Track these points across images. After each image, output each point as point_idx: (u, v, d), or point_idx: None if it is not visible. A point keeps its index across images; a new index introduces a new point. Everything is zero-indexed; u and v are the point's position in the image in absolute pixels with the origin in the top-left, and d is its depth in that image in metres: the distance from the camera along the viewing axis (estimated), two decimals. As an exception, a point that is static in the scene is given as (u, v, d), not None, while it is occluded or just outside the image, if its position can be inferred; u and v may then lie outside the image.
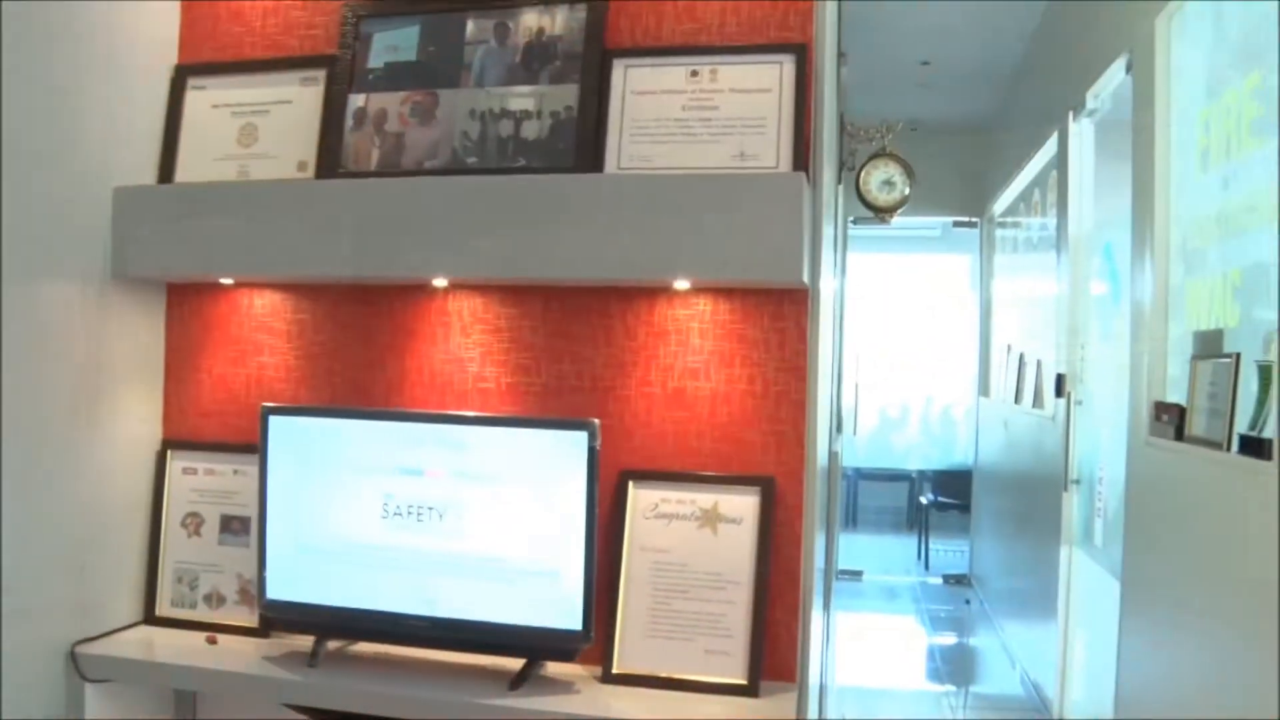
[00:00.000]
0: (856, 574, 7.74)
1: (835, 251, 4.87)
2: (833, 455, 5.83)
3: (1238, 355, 2.55)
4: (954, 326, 9.19)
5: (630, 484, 1.81)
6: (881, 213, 4.62)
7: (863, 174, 4.64)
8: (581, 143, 1.80)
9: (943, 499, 8.77)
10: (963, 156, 7.62)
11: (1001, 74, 6.50)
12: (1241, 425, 2.52)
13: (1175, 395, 3.02)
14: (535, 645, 1.76)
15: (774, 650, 1.77)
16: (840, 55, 5.60)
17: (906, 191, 4.58)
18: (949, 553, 8.43)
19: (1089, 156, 4.51)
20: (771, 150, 1.73)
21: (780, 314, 1.77)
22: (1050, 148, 5.08)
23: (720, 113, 1.76)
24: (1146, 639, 3.17)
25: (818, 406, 1.76)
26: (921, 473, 9.69)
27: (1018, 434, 5.89)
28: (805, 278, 1.64)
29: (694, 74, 1.80)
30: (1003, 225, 6.91)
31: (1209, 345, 2.84)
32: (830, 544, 5.96)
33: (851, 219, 7.67)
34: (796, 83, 1.74)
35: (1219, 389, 2.63)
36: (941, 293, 9.81)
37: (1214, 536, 2.58)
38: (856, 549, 8.78)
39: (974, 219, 7.69)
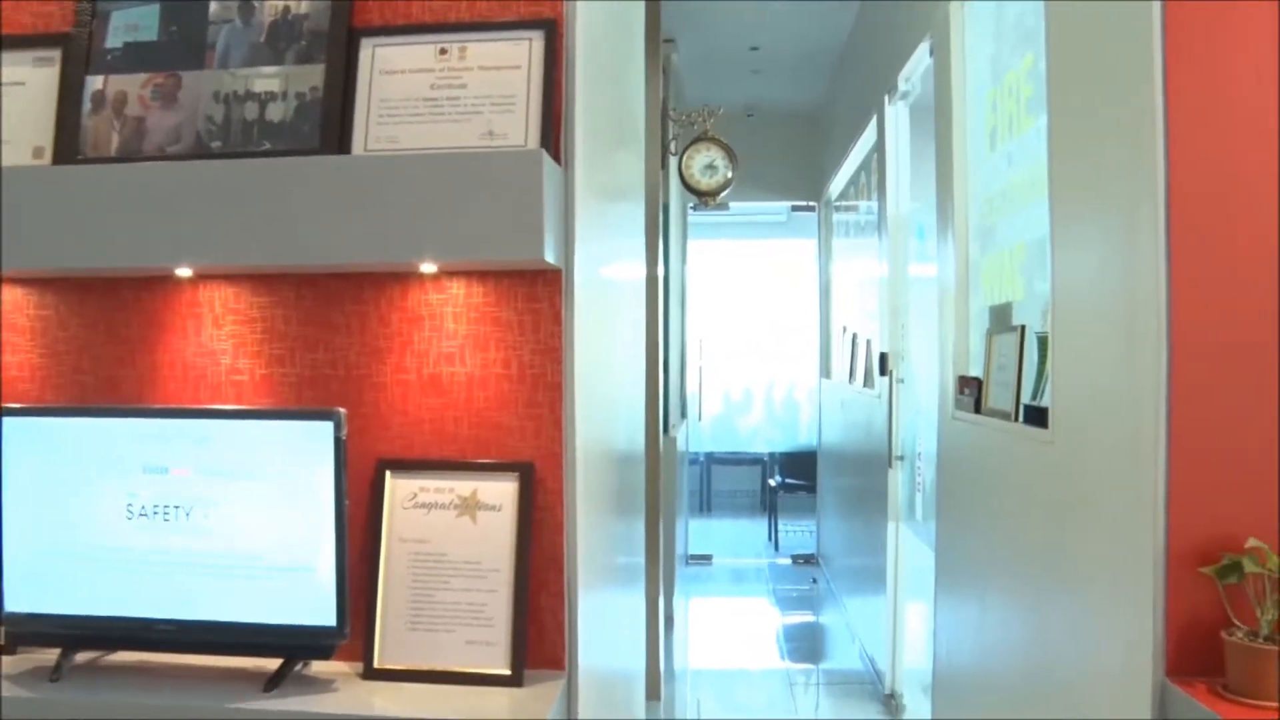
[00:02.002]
0: (706, 558, 7.78)
1: (663, 238, 4.89)
2: (670, 441, 5.85)
3: (1023, 328, 2.61)
4: (798, 310, 9.30)
5: (388, 474, 1.76)
6: (705, 196, 4.63)
7: (685, 158, 4.65)
8: (327, 124, 1.73)
9: (790, 480, 8.89)
10: (799, 142, 7.72)
11: (829, 59, 6.58)
12: (1026, 395, 2.58)
13: (976, 369, 3.08)
14: (290, 644, 1.69)
15: (540, 638, 1.74)
16: (668, 41, 5.61)
17: (729, 175, 4.60)
18: (798, 533, 8.55)
19: (904, 138, 4.59)
20: (520, 129, 1.69)
21: (534, 295, 1.74)
22: (872, 132, 5.16)
23: (469, 91, 1.72)
24: (956, 606, 3.23)
25: (575, 388, 1.73)
26: (772, 455, 9.80)
27: (853, 414, 5.98)
28: (551, 257, 1.60)
29: (443, 52, 1.75)
30: (838, 209, 7.01)
31: (1001, 319, 2.90)
32: (670, 529, 5.99)
33: (692, 205, 7.71)
34: (546, 60, 1.71)
35: (1008, 361, 2.68)
36: (787, 277, 9.92)
37: (1008, 504, 2.63)
38: (710, 533, 8.85)
39: (812, 203, 7.78)
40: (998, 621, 2.74)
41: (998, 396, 2.78)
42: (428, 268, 1.72)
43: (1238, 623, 1.66)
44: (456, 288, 1.76)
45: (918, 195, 4.48)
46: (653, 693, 4.74)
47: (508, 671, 1.68)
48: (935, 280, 3.45)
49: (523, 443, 1.75)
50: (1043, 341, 2.48)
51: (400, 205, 1.56)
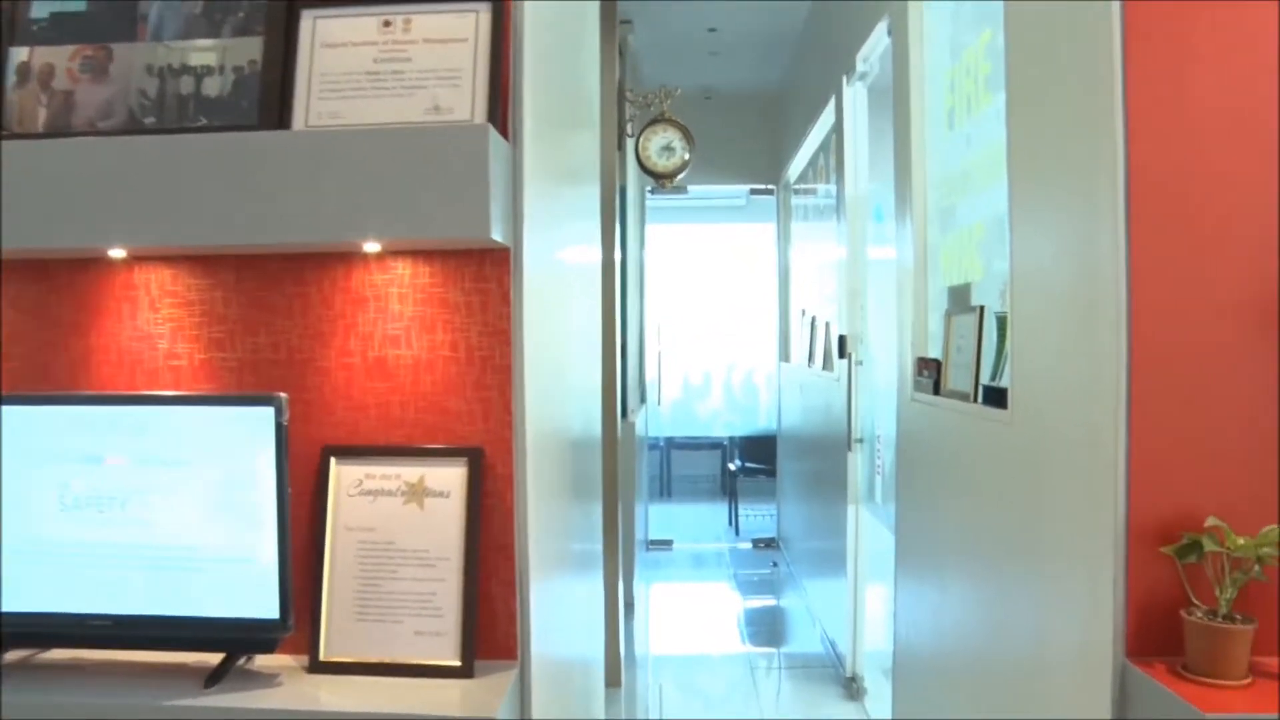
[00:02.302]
0: (666, 543, 7.76)
1: (620, 222, 4.84)
2: (628, 426, 5.81)
3: (981, 308, 2.58)
4: (757, 294, 9.28)
5: (333, 460, 1.70)
6: (662, 178, 4.58)
7: (642, 140, 4.60)
8: (266, 100, 1.67)
9: (750, 465, 8.87)
10: (758, 124, 7.68)
11: (787, 40, 6.54)
12: (985, 376, 2.55)
13: (935, 350, 3.05)
14: (232, 638, 1.64)
15: (491, 628, 1.69)
16: (625, 22, 5.55)
17: (686, 156, 4.56)
18: (758, 517, 8.54)
19: (862, 120, 4.56)
20: (466, 103, 1.63)
21: (481, 275, 1.68)
22: (830, 113, 5.13)
23: (413, 65, 1.66)
24: (916, 589, 3.21)
25: (525, 371, 1.68)
26: (731, 439, 9.78)
27: (812, 397, 5.96)
28: (499, 236, 1.55)
29: (386, 24, 1.69)
30: (796, 192, 6.98)
31: (960, 300, 2.88)
32: (630, 515, 5.95)
33: (650, 188, 7.66)
34: (493, 33, 1.65)
35: (966, 342, 2.66)
36: (746, 261, 9.90)
37: (967, 486, 2.61)
38: (670, 518, 8.83)
39: (771, 186, 7.75)
40: (957, 604, 2.73)
41: (957, 378, 2.75)
42: (371, 247, 1.66)
43: (1197, 602, 1.63)
44: (402, 268, 1.70)
45: (876, 177, 4.45)
46: (612, 680, 4.71)
47: (458, 663, 1.63)
48: (894, 263, 3.43)
49: (471, 427, 1.70)
50: (1002, 322, 2.46)
51: (342, 183, 1.51)
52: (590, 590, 2.76)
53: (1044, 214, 2.07)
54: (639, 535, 6.84)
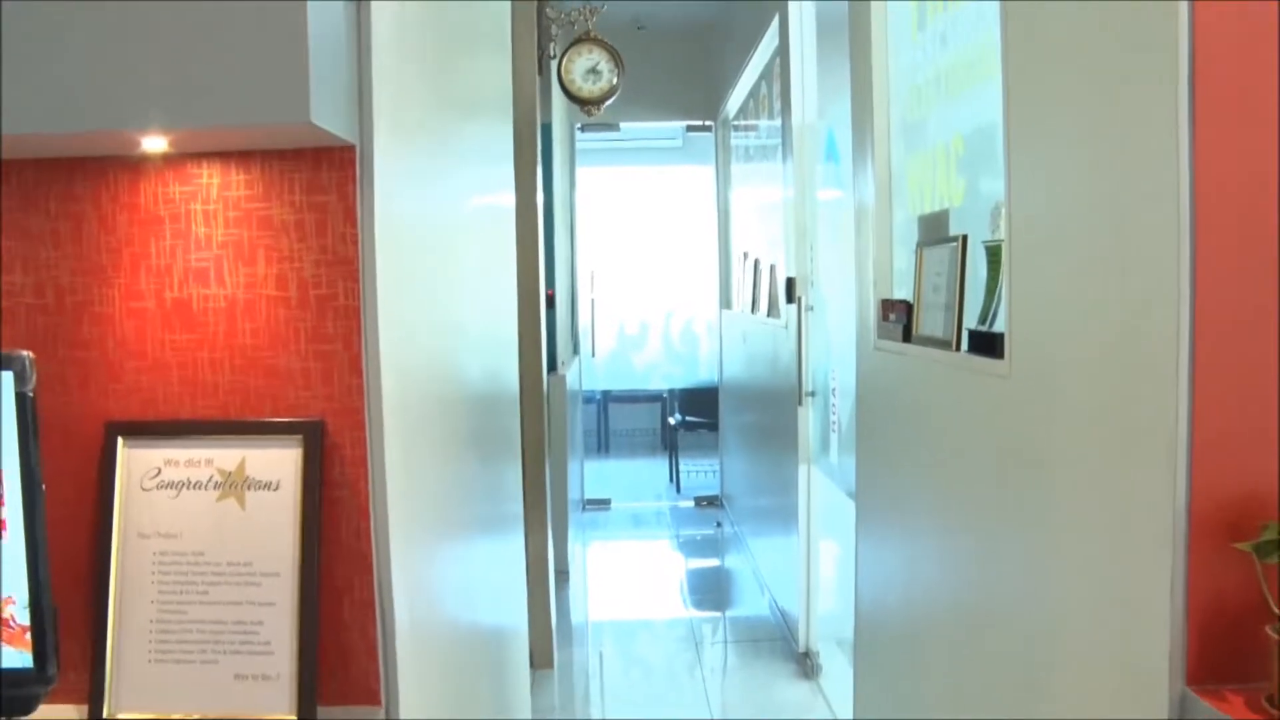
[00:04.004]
0: (604, 503, 7.35)
1: (542, 161, 4.37)
2: (558, 379, 5.37)
3: (963, 238, 2.16)
4: (696, 239, 8.84)
5: (120, 442, 1.24)
6: (588, 105, 4.10)
7: (564, 63, 4.11)
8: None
9: (690, 419, 8.46)
10: (694, 55, 7.18)
11: (725, -39, 6.06)
12: (971, 319, 2.14)
13: (903, 291, 2.63)
14: (-26, 694, 1.19)
15: (343, 666, 1.25)
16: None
17: (615, 81, 4.08)
18: (700, 473, 8.16)
19: (810, 41, 4.12)
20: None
21: (317, 185, 1.22)
22: (774, 35, 4.67)
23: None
24: (880, 560, 2.81)
25: (381, 314, 1.23)
26: (671, 392, 9.37)
27: (756, 346, 5.55)
28: (329, 122, 1.10)
29: None
30: (736, 129, 6.53)
31: (934, 229, 2.45)
32: (561, 474, 5.52)
33: (579, 125, 7.17)
34: None
35: (945, 278, 2.24)
36: (683, 204, 9.45)
37: (945, 450, 2.20)
38: (608, 475, 8.42)
39: (709, 122, 7.29)
40: (933, 581, 2.33)
41: (931, 321, 2.33)
42: (156, 144, 1.19)
43: (1283, 613, 1.23)
44: (208, 176, 1.24)
45: (828, 115, 4.02)
46: (542, 661, 4.29)
47: (293, 717, 1.19)
48: (847, 203, 3.00)
49: (308, 393, 1.25)
50: (992, 253, 2.03)
51: (109, 49, 1.04)
52: (507, 555, 2.41)
53: (1055, 117, 1.64)
54: (573, 495, 6.42)
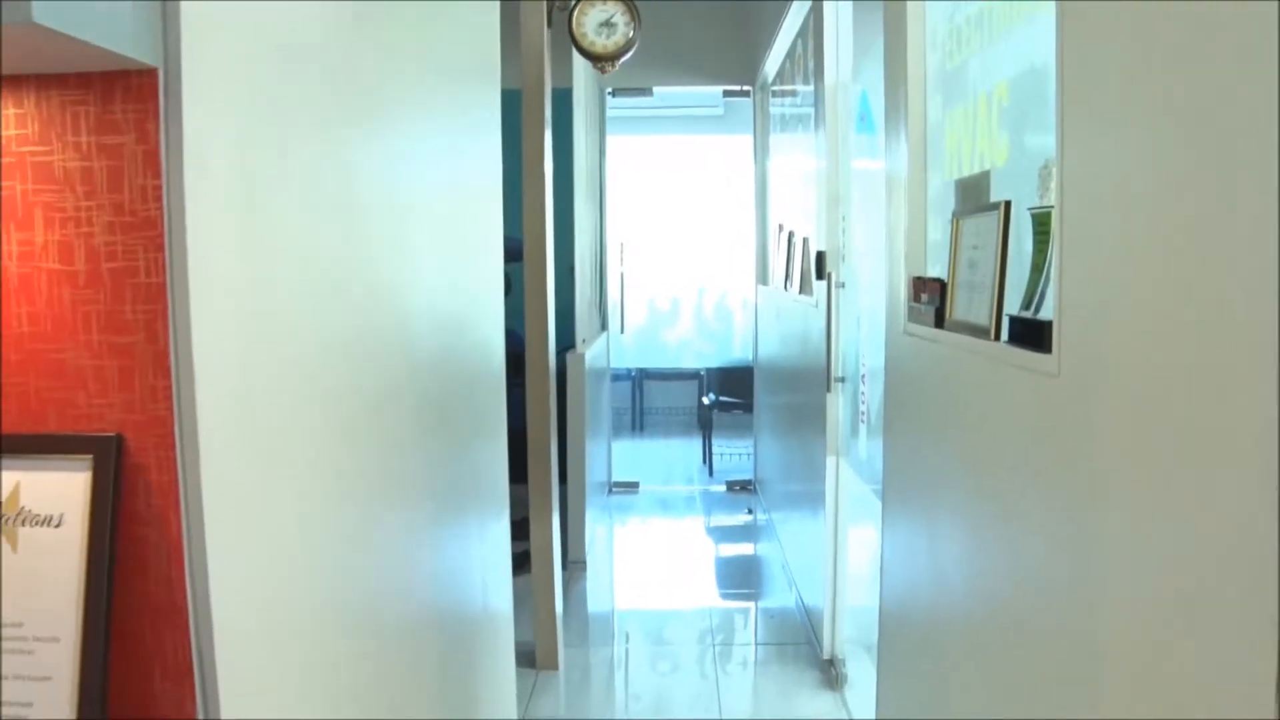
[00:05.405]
0: (632, 486, 7.03)
1: (551, 127, 4.03)
2: (576, 358, 5.05)
3: (1006, 204, 1.81)
4: (735, 213, 8.48)
5: None
6: (602, 61, 3.75)
7: (576, 15, 3.76)
8: None
9: (725, 398, 8.12)
10: (731, 14, 6.79)
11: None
12: (1013, 304, 1.79)
13: (937, 268, 2.28)
14: None
15: (149, 762, 0.94)
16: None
17: (630, 34, 3.72)
18: (734, 455, 7.82)
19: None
20: None
21: (109, 122, 0.90)
22: (808, -12, 4.31)
23: None
24: (907, 571, 2.47)
25: (193, 291, 0.90)
26: (708, 370, 9.03)
27: (789, 325, 5.20)
28: (91, 29, 0.77)
29: None
30: (775, 93, 6.16)
31: (973, 195, 2.10)
32: (580, 456, 5.21)
33: (610, 90, 6.82)
34: None
35: (983, 254, 1.89)
36: (725, 176, 9.08)
37: (982, 451, 1.86)
38: (639, 456, 8.12)
39: (747, 87, 6.90)
40: (962, 594, 1.99)
41: (967, 305, 1.98)
42: None
43: None
44: (-46, 104, 0.92)
45: (862, 76, 3.66)
46: (547, 662, 3.98)
47: (61, 844, 0.88)
48: (881, 173, 2.64)
49: (102, 400, 0.93)
50: (1040, 221, 1.68)
51: None
52: (474, 546, 2.20)
53: (1121, 53, 1.29)
54: (598, 477, 6.10)
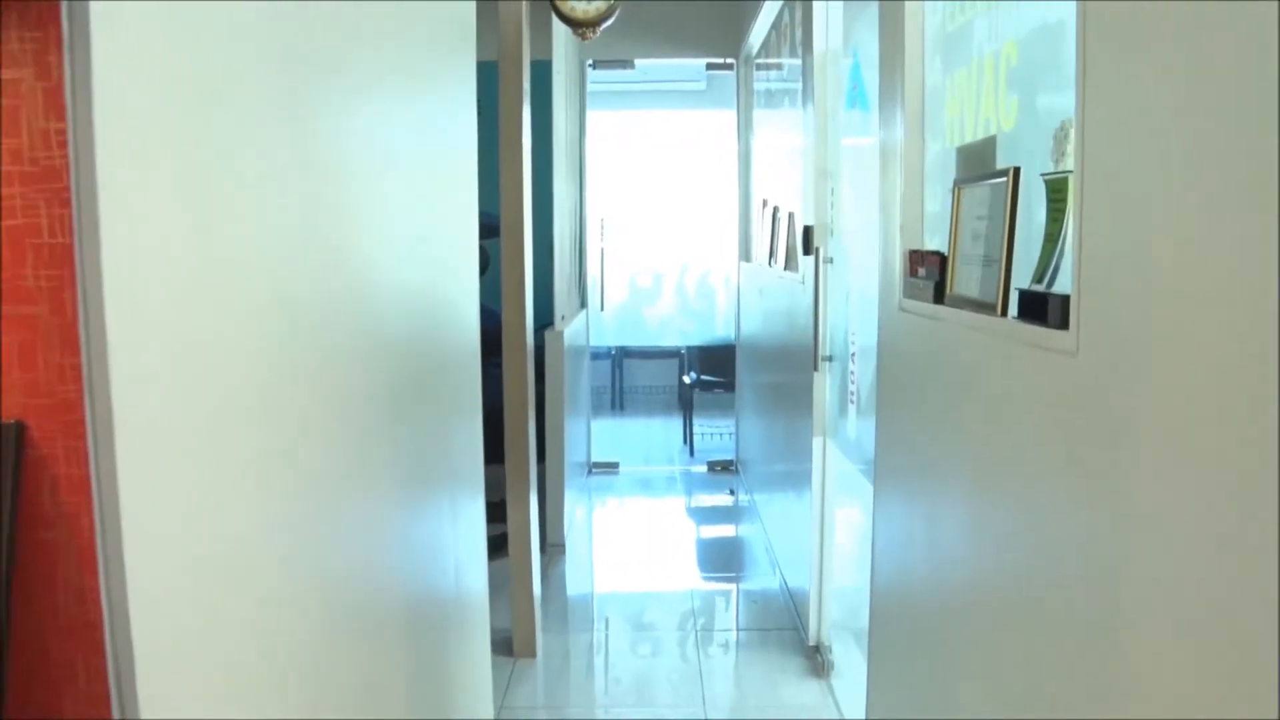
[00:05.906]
0: (612, 467, 6.92)
1: (528, 100, 3.90)
2: (555, 335, 4.92)
3: (1014, 170, 1.69)
4: (717, 189, 8.36)
5: None
6: (582, 28, 3.62)
7: (556, -21, 3.62)
8: None
9: (706, 377, 8.00)
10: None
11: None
12: (1022, 277, 1.67)
13: (936, 241, 2.17)
14: None
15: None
16: None
17: (612, 0, 3.59)
18: (715, 435, 7.71)
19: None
20: None
21: (3, 54, 0.77)
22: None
23: None
24: (900, 550, 2.37)
25: (103, 252, 0.78)
26: (689, 349, 8.91)
27: (773, 301, 5.08)
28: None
29: None
30: (759, 66, 6.03)
31: (977, 162, 1.98)
32: (558, 437, 5.09)
33: (590, 63, 6.67)
34: None
35: (991, 224, 1.77)
36: (706, 151, 8.95)
37: (987, 435, 1.75)
38: (620, 436, 8.01)
39: (730, 60, 6.76)
40: (961, 584, 1.88)
41: (969, 279, 1.87)
42: None
43: None
44: None
45: (852, 44, 3.54)
46: (525, 650, 3.87)
47: None
48: (871, 147, 2.52)
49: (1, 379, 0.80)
50: (1055, 189, 1.56)
51: None
52: (455, 530, 2.13)
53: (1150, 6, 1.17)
54: (578, 458, 5.98)
